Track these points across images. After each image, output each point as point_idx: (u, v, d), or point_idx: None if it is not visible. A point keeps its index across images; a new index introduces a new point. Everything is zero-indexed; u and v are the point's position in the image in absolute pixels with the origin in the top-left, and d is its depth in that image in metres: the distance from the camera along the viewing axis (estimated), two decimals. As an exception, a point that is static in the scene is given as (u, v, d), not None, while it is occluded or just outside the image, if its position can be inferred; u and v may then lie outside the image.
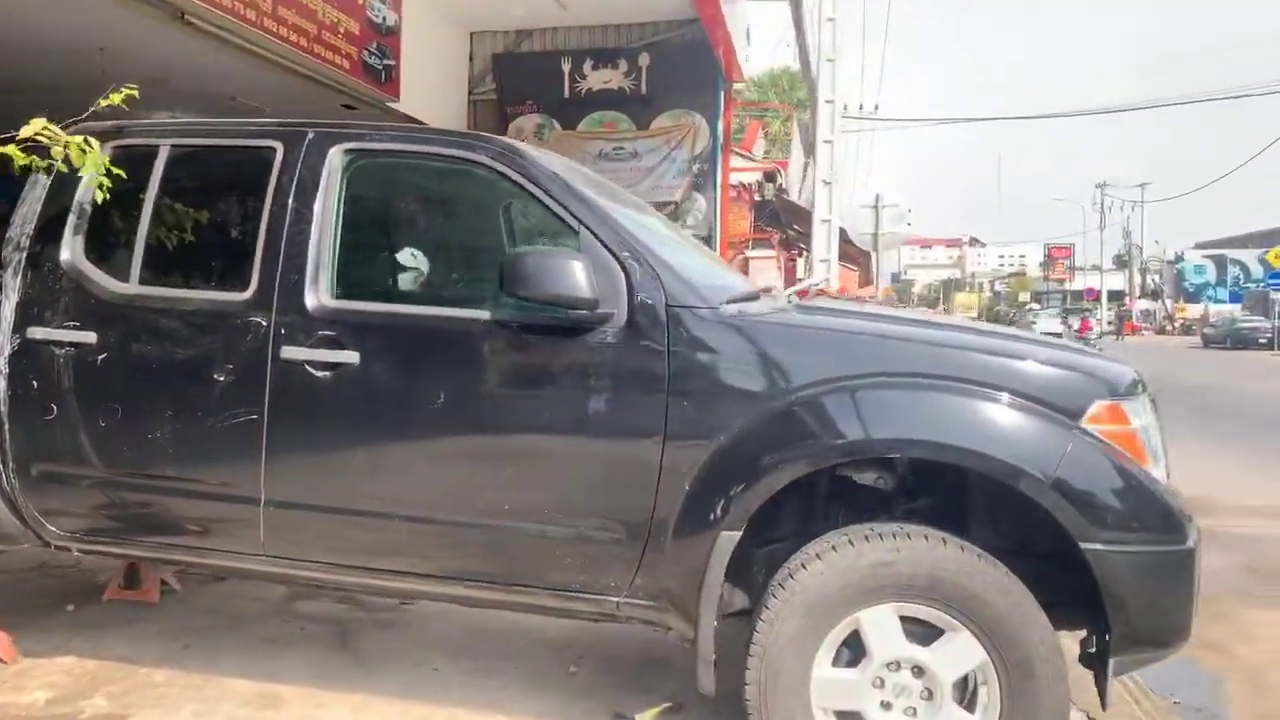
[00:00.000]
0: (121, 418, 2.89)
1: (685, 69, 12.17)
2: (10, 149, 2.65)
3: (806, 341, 2.57)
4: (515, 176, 2.75)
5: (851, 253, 15.43)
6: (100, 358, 2.91)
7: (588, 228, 2.66)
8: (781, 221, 14.43)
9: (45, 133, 2.65)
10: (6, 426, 2.98)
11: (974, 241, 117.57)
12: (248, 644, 3.85)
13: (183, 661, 3.64)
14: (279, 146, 2.94)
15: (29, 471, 2.99)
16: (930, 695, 2.42)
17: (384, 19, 10.17)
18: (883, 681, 2.45)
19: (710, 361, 2.56)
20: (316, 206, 2.85)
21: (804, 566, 2.46)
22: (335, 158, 2.89)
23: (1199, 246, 63.74)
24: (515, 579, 2.72)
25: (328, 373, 2.74)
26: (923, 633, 2.43)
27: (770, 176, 13.57)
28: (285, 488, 2.80)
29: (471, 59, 13.02)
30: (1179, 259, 64.82)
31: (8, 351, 2.96)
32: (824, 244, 11.87)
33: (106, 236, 3.02)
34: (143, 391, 2.90)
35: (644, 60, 12.52)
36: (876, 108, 33.88)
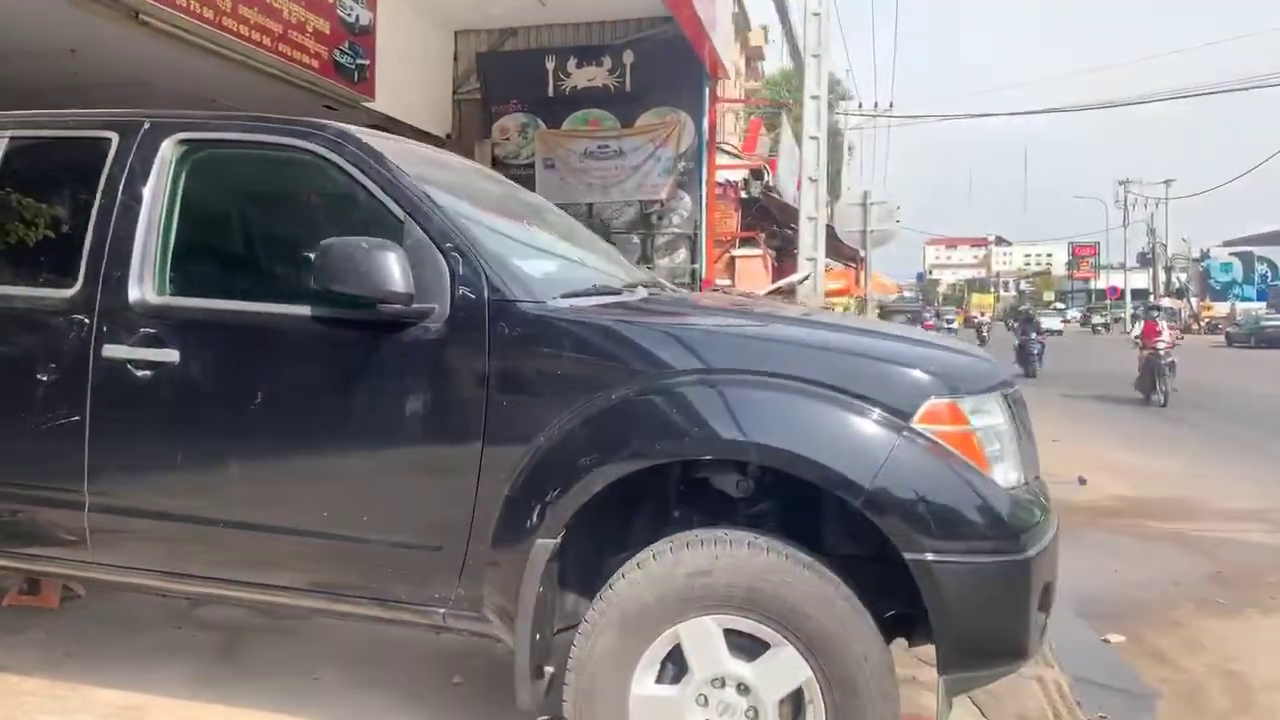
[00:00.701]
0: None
1: (669, 66, 12.01)
2: None
3: (625, 339, 2.41)
4: (345, 165, 2.63)
5: (848, 252, 15.20)
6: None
7: (412, 218, 2.53)
8: (774, 219, 14.24)
9: None
10: None
11: (1000, 241, 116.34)
12: (132, 653, 3.76)
13: (58, 670, 3.55)
14: (114, 137, 2.84)
15: None
16: (756, 715, 2.26)
17: (356, 18, 10.10)
18: (707, 699, 2.30)
19: (530, 360, 2.42)
20: (145, 199, 2.74)
21: (623, 576, 2.32)
22: (168, 149, 2.79)
23: (1226, 244, 62.53)
24: (338, 588, 2.59)
25: (149, 372, 2.64)
26: (751, 647, 2.28)
27: (758, 174, 13.37)
28: (107, 492, 2.70)
29: (456, 58, 12.95)
30: (1205, 256, 63.64)
31: None
32: (810, 241, 11.67)
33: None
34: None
35: (628, 58, 12.38)
36: (891, 104, 33.54)
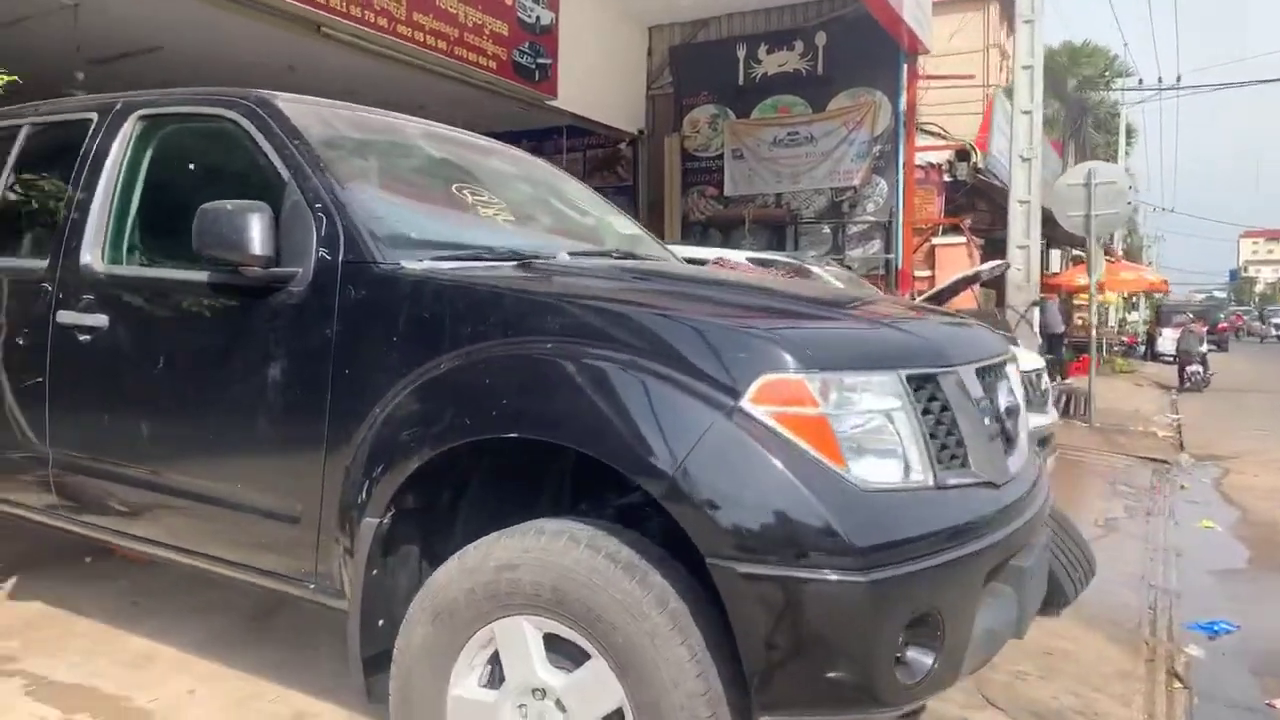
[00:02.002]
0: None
1: (863, 45, 11.34)
2: None
3: (462, 303, 2.14)
4: (253, 132, 2.61)
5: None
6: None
7: (294, 180, 2.45)
8: (985, 204, 12.93)
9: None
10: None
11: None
12: (176, 608, 4.00)
13: (116, 617, 3.85)
14: (94, 117, 3.02)
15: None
16: (575, 734, 1.95)
17: (537, 18, 10.39)
18: (526, 710, 2.02)
19: (371, 325, 2.25)
20: (105, 173, 2.89)
21: (444, 567, 2.09)
22: (130, 125, 2.92)
23: None
24: (225, 554, 2.57)
25: (88, 337, 2.76)
26: (578, 657, 1.96)
27: (964, 155, 12.19)
28: (62, 449, 2.86)
29: (650, 54, 13.01)
30: None
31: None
32: (1022, 227, 10.50)
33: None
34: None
35: (820, 39, 11.85)
36: (1179, 78, 29.71)
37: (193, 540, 2.64)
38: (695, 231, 12.50)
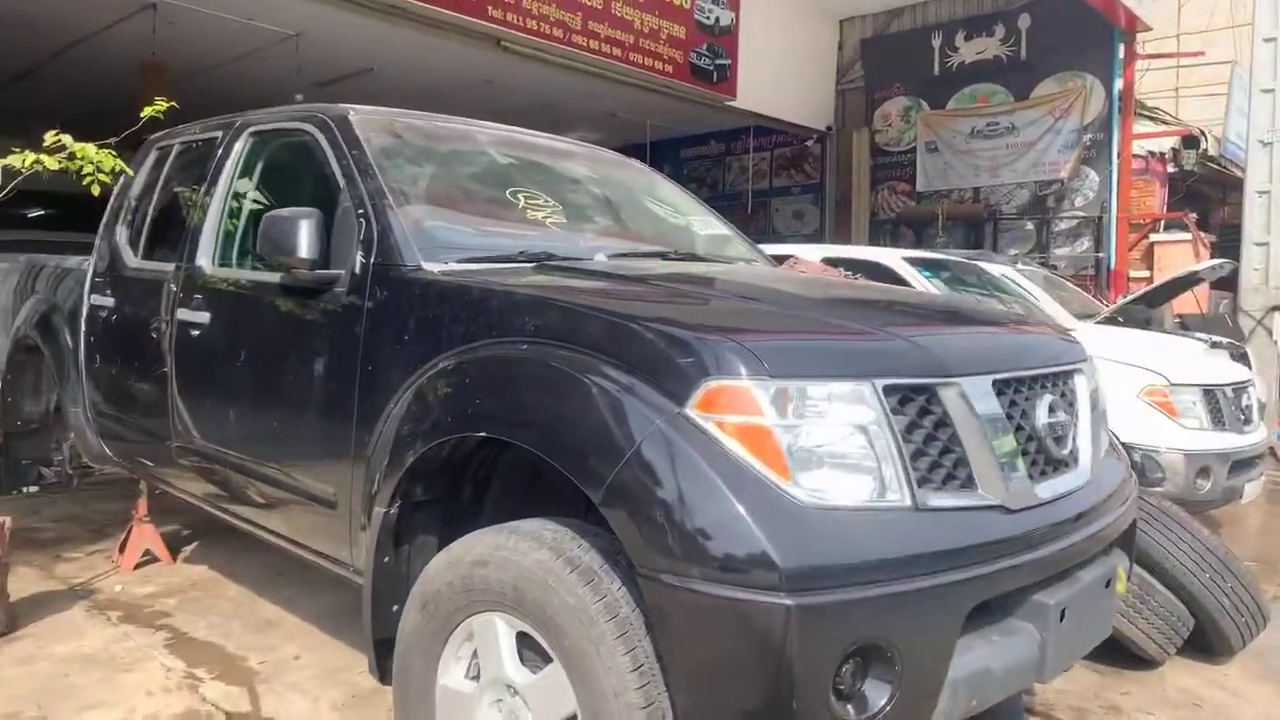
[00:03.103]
0: (115, 369, 3.58)
1: (1072, 26, 10.45)
2: (44, 157, 3.45)
3: (459, 304, 2.19)
4: (322, 143, 2.81)
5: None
6: (112, 319, 3.64)
7: (346, 187, 2.63)
8: (1215, 197, 11.39)
9: (56, 141, 3.40)
10: (84, 375, 3.86)
11: None
12: (319, 581, 4.38)
13: (258, 584, 4.29)
14: (219, 135, 3.37)
15: (96, 409, 3.84)
16: (542, 735, 1.97)
17: (716, 20, 10.40)
18: (501, 705, 2.05)
19: (392, 325, 2.35)
20: (220, 184, 3.23)
21: (436, 558, 2.16)
22: (243, 141, 3.24)
23: None
24: (294, 536, 2.79)
25: (197, 331, 3.10)
26: (545, 656, 1.97)
27: (1191, 141, 10.81)
28: (179, 430, 3.22)
29: (840, 47, 12.66)
30: None
31: (84, 315, 3.83)
32: (1260, 221, 9.29)
33: (135, 221, 3.75)
34: (125, 348, 3.55)
35: (1023, 22, 11.03)
36: None
37: (267, 519, 2.89)
38: (885, 230, 12.01)
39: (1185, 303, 9.18)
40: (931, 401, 1.86)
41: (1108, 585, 2.17)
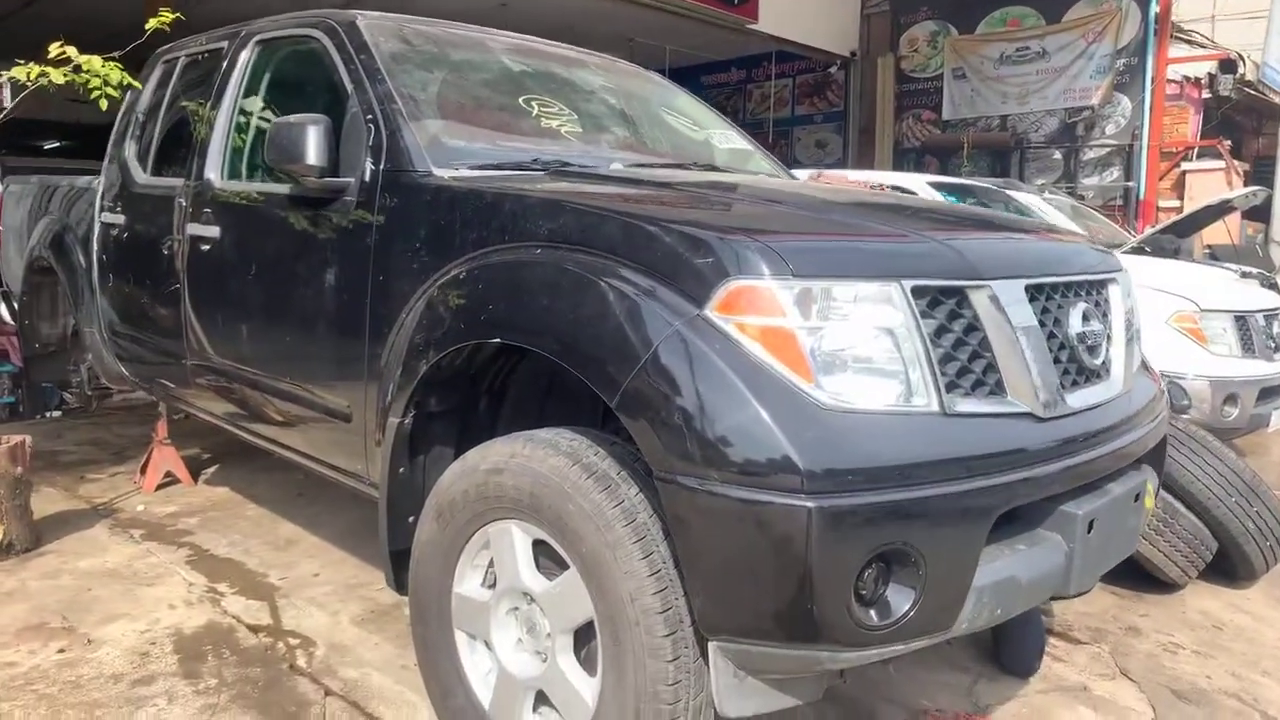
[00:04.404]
0: (128, 287, 3.55)
1: (1110, -59, 10.02)
2: (49, 69, 3.36)
3: (470, 208, 2.11)
4: (330, 49, 2.72)
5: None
6: (123, 237, 3.59)
7: (355, 93, 2.54)
8: (1252, 125, 11.01)
9: (61, 53, 3.31)
10: (98, 294, 3.83)
11: None
12: (340, 500, 4.41)
13: (278, 505, 4.32)
14: (225, 45, 3.28)
15: (111, 329, 3.83)
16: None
17: (737, -61, 10.06)
18: (518, 614, 2.04)
19: (403, 233, 2.28)
20: (227, 96, 3.14)
21: (451, 467, 2.13)
22: (249, 51, 3.14)
23: None
24: (309, 450, 2.77)
25: (207, 246, 3.04)
26: (561, 564, 1.95)
27: (1229, 65, 10.41)
28: (194, 348, 3.19)
29: (866, -31, 12.25)
30: None
31: (96, 234, 3.79)
32: (1298, 149, 9.00)
33: (143, 137, 3.68)
34: (137, 266, 3.51)
35: (1058, -61, 10.60)
36: None
37: (283, 435, 2.87)
38: (909, 159, 11.76)
39: (1216, 232, 8.95)
40: (961, 305, 1.79)
41: (1136, 499, 2.12)
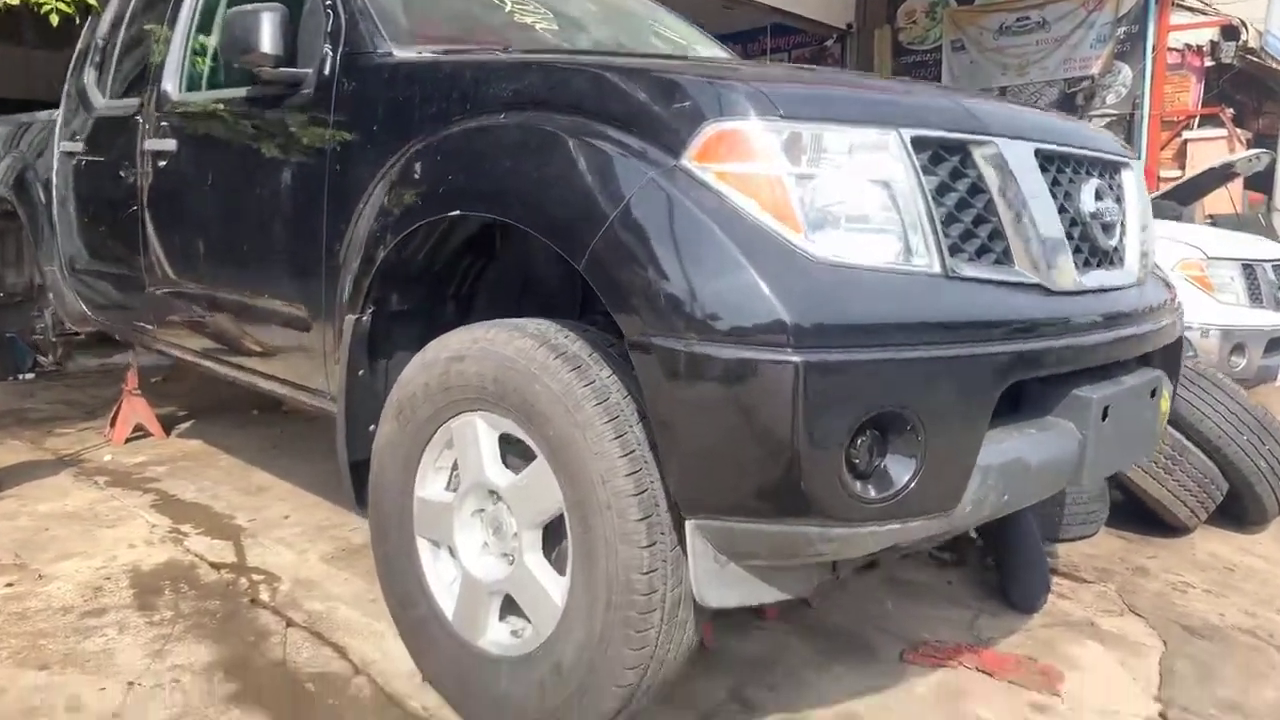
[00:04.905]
0: (87, 218, 3.39)
1: (1109, -93, 9.84)
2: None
3: (429, 81, 1.94)
4: None
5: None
6: (82, 165, 3.43)
7: None
8: (1255, 92, 10.84)
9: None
10: (58, 230, 3.66)
11: None
12: (317, 451, 4.25)
13: (252, 456, 4.16)
14: None
15: (72, 265, 3.66)
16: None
17: (731, -96, 9.86)
18: (483, 515, 1.88)
19: (361, 118, 2.12)
20: (185, 8, 2.97)
21: (411, 362, 1.97)
22: None
23: None
24: (268, 369, 2.61)
25: (164, 162, 2.88)
26: (528, 457, 1.79)
27: (1231, 32, 10.25)
28: (154, 271, 3.03)
29: (864, -60, 12.04)
30: None
31: (55, 165, 3.62)
32: (1302, 115, 8.84)
33: (103, 63, 3.51)
34: (97, 193, 3.35)
35: (1058, -94, 10.40)
36: None
37: (245, 358, 2.71)
38: (905, 133, 11.57)
39: (1219, 201, 8.82)
40: (966, 163, 1.64)
41: (1153, 396, 1.96)
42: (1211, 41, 10.34)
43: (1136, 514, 3.66)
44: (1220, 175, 7.70)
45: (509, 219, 1.71)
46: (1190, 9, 10.71)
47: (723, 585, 1.55)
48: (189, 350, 3.07)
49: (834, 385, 1.38)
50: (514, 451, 1.81)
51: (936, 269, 1.54)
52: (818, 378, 1.36)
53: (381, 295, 2.06)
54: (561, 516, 1.70)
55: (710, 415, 1.43)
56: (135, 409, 4.34)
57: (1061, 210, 1.79)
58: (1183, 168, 9.99)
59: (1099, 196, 1.88)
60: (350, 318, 2.07)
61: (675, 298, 1.45)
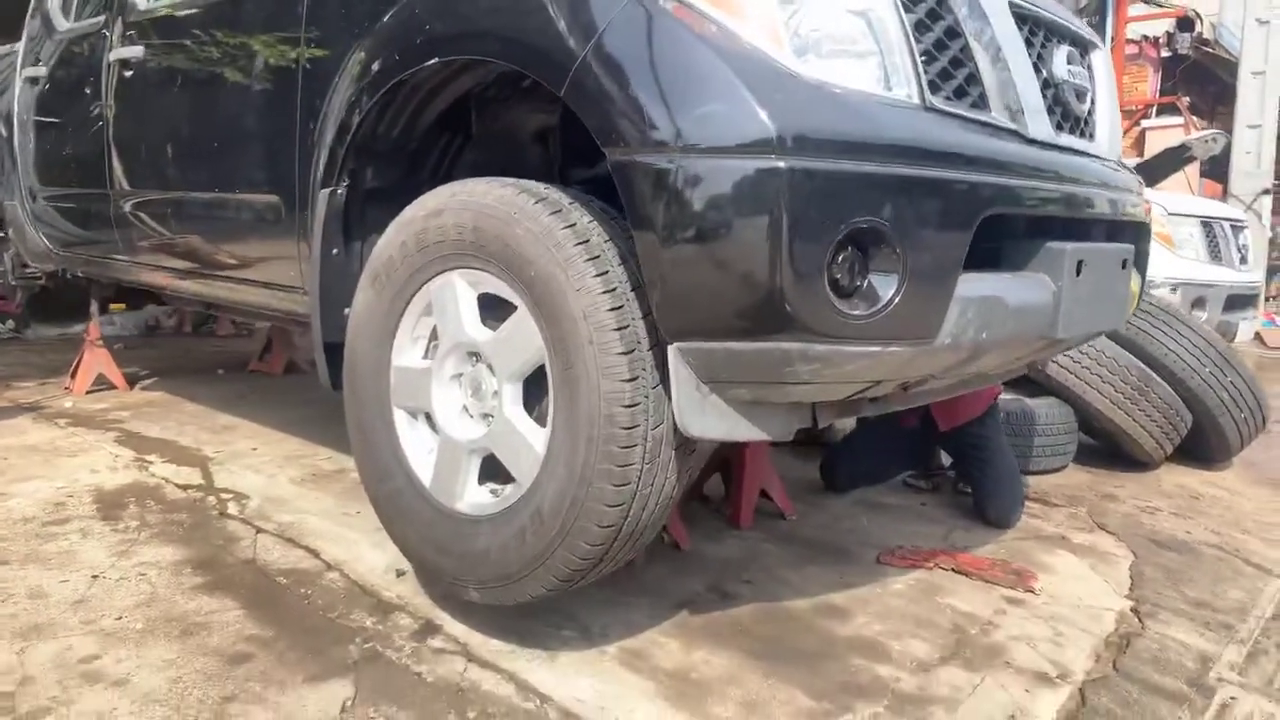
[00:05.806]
0: (50, 143, 3.31)
1: (1067, -99, 10.05)
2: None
3: None
4: None
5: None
6: (46, 88, 3.36)
7: None
8: (1208, 81, 11.13)
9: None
10: (19, 160, 3.58)
11: None
12: (288, 400, 4.18)
13: (224, 403, 4.08)
14: None
15: (33, 196, 3.57)
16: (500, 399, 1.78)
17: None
18: (462, 379, 1.86)
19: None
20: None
21: (387, 229, 1.95)
22: None
23: None
24: (247, 276, 2.56)
25: (131, 72, 2.83)
26: (508, 313, 1.77)
27: (1186, 24, 10.54)
28: (118, 186, 2.97)
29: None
30: None
31: (17, 94, 3.54)
32: (1255, 104, 9.11)
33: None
34: (58, 114, 3.28)
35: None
36: None
37: (215, 268, 2.66)
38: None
39: (1178, 187, 9.01)
40: (943, 5, 1.65)
41: (1124, 266, 1.99)
42: (1168, 32, 10.61)
43: (1103, 449, 3.71)
44: (1177, 158, 7.85)
45: (491, 57, 1.70)
46: (1147, 1, 10.99)
47: (704, 415, 1.54)
48: (159, 271, 3.01)
49: (818, 191, 1.38)
50: (493, 316, 1.79)
51: (915, 100, 1.56)
52: (803, 182, 1.37)
53: (356, 168, 2.03)
54: (542, 369, 1.69)
55: (696, 231, 1.42)
56: (97, 359, 4.24)
57: (1036, 70, 1.81)
58: (1141, 156, 10.20)
59: (1070, 62, 1.91)
60: (324, 191, 2.04)
61: (660, 114, 1.45)
